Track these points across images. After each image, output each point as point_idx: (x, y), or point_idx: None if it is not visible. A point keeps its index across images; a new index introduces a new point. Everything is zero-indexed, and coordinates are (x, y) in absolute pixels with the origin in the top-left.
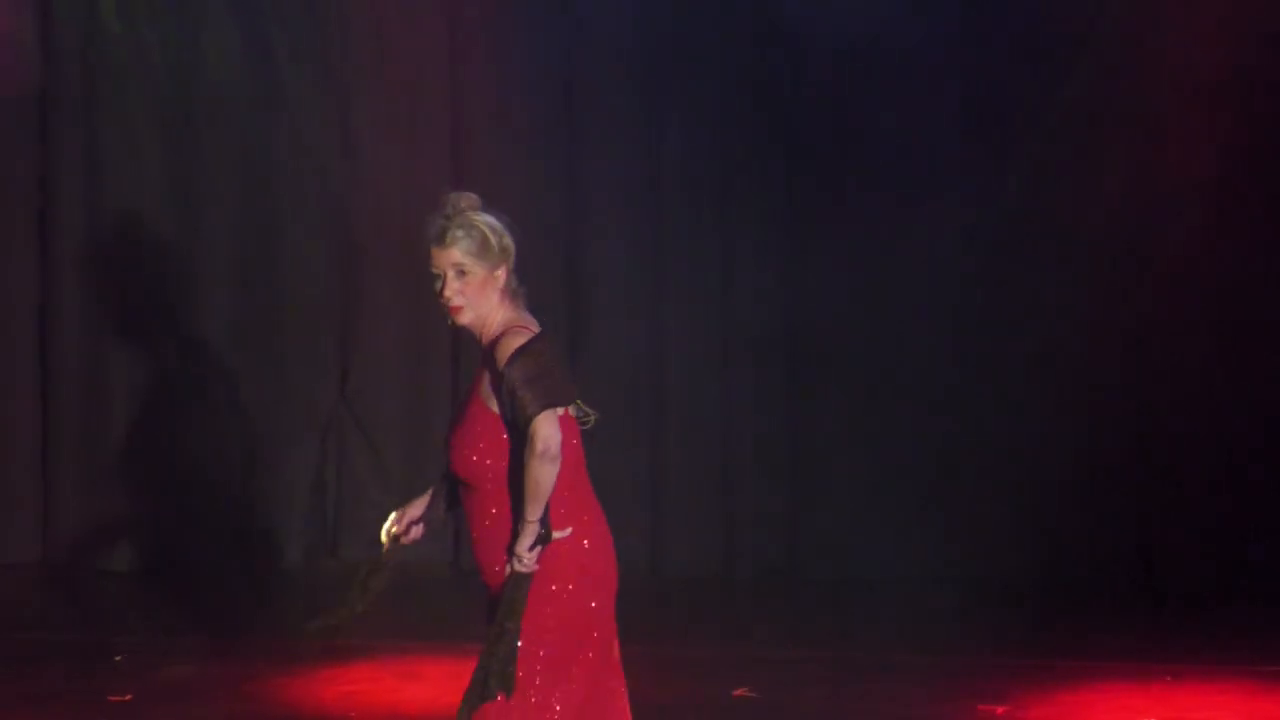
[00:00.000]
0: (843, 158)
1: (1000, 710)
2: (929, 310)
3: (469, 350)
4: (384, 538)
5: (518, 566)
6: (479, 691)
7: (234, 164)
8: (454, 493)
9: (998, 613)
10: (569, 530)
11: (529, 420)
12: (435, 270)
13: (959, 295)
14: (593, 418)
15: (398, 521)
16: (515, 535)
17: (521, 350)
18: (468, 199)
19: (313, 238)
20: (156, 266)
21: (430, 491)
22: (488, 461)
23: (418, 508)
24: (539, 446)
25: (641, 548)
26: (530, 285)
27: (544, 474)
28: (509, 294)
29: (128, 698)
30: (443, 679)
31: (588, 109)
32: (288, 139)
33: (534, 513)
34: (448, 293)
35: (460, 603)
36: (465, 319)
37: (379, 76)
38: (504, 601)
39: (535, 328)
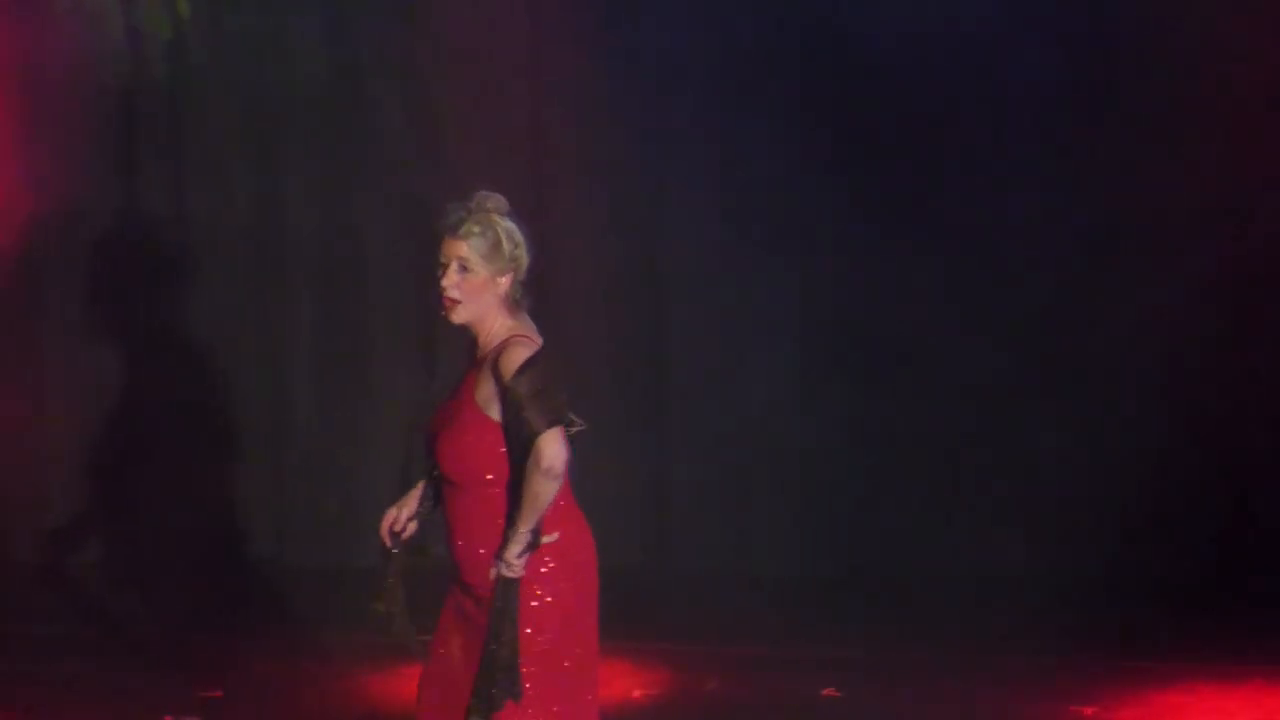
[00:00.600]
0: (924, 153)
1: (1089, 711)
2: (1010, 307)
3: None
4: (384, 536)
5: (505, 572)
6: (486, 703)
7: (318, 167)
8: (438, 490)
9: (1088, 613)
10: (556, 535)
11: (534, 435)
12: (441, 259)
13: (1044, 294)
14: (577, 427)
15: (395, 519)
16: (505, 541)
17: (529, 363)
18: (495, 200)
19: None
20: (246, 269)
21: (420, 486)
22: (482, 468)
23: (411, 504)
24: (544, 464)
25: (727, 548)
26: (612, 285)
27: (546, 490)
28: (509, 302)
29: (217, 694)
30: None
31: (666, 109)
32: (370, 141)
33: (528, 524)
34: (445, 283)
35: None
36: (459, 316)
37: (460, 78)
38: (494, 611)
39: (538, 339)
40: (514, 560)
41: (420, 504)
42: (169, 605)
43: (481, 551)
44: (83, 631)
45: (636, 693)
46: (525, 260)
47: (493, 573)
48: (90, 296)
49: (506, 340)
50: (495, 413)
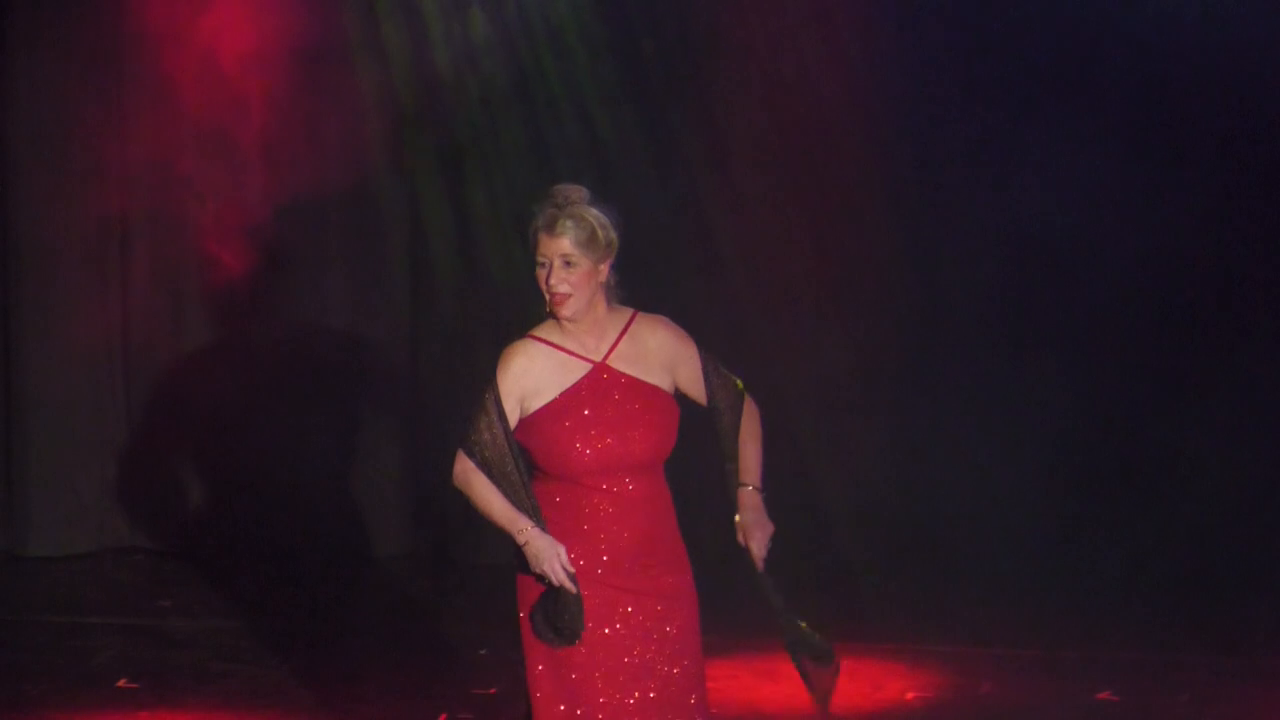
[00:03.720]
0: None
1: None
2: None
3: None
4: (562, 578)
5: (767, 537)
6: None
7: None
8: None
9: None
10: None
11: (740, 390)
12: (540, 259)
13: None
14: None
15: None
16: (740, 507)
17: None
18: (578, 191)
19: None
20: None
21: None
22: (671, 445)
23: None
24: (757, 410)
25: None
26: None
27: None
28: (607, 289)
29: (491, 691)
30: (799, 677)
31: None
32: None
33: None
34: (553, 280)
35: (823, 602)
36: (569, 309)
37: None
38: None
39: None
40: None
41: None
42: None
43: (667, 536)
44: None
45: (910, 695)
46: (618, 242)
47: (747, 517)
48: None
49: (639, 318)
50: (669, 385)
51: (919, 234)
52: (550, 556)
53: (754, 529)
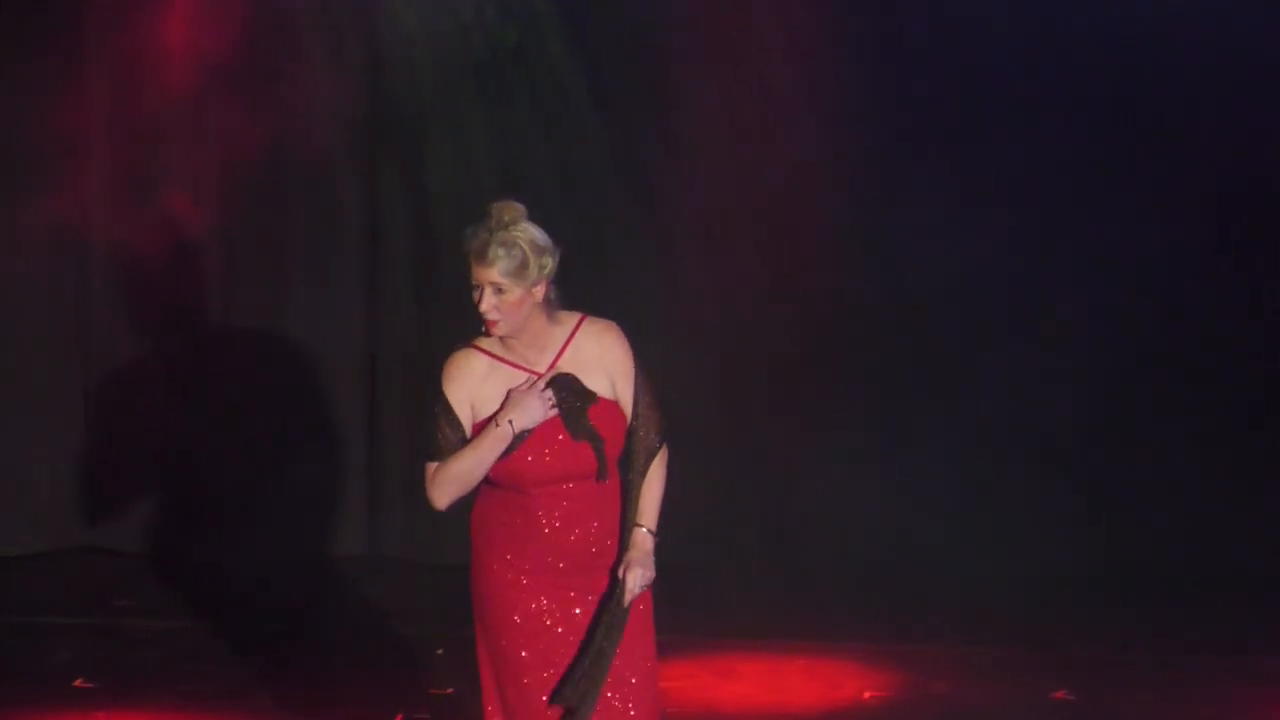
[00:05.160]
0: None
1: None
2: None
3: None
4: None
5: (645, 581)
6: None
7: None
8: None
9: None
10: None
11: (664, 439)
12: (473, 282)
13: None
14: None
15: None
16: (630, 545)
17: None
18: (511, 210)
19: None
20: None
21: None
22: (616, 450)
23: None
24: (667, 456)
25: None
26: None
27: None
28: (546, 302)
29: (449, 691)
30: (758, 676)
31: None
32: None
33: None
34: (484, 308)
35: (781, 602)
36: (500, 330)
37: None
38: (610, 620)
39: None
40: (651, 564)
41: None
42: None
43: (610, 542)
44: None
45: (867, 694)
46: (553, 264)
47: (634, 555)
48: None
49: (586, 324)
50: (613, 393)
51: (873, 222)
52: (530, 401)
53: (635, 566)
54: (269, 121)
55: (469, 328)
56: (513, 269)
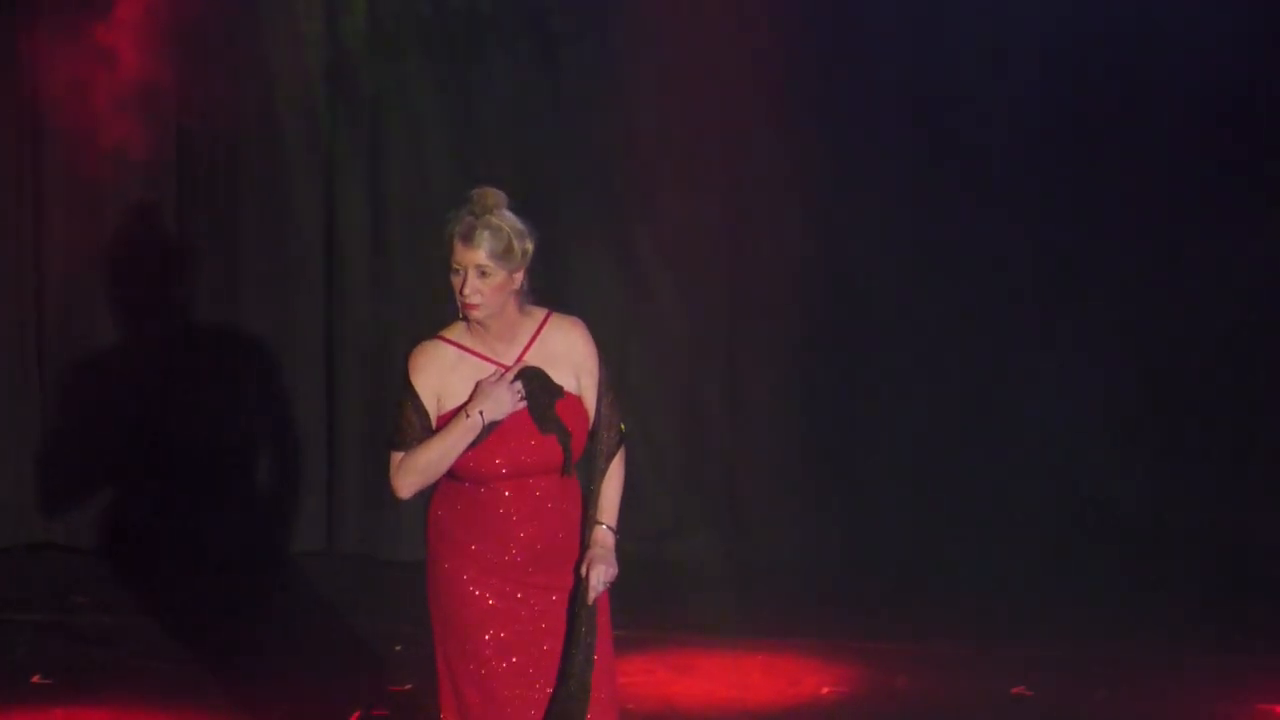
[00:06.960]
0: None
1: None
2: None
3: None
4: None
5: (609, 577)
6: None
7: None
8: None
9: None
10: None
11: (622, 439)
12: (455, 266)
13: None
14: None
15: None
16: (591, 543)
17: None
18: (494, 196)
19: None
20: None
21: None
22: (579, 446)
23: None
24: (624, 456)
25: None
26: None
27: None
28: (519, 293)
29: (407, 687)
30: (717, 672)
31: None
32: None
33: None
34: (467, 290)
35: (736, 596)
36: (479, 314)
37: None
38: (583, 616)
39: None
40: (613, 559)
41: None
42: None
43: (561, 535)
44: None
45: (825, 689)
46: (533, 250)
47: (596, 552)
48: None
49: (553, 319)
50: (578, 389)
51: (832, 227)
52: (499, 392)
53: (598, 564)
54: (224, 119)
55: (426, 324)
56: (499, 250)
